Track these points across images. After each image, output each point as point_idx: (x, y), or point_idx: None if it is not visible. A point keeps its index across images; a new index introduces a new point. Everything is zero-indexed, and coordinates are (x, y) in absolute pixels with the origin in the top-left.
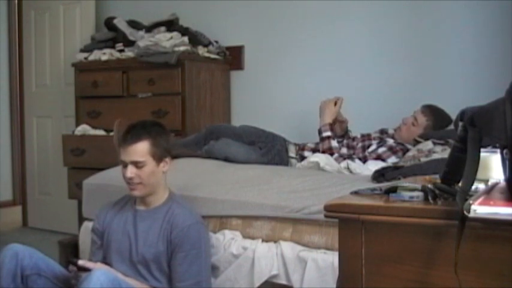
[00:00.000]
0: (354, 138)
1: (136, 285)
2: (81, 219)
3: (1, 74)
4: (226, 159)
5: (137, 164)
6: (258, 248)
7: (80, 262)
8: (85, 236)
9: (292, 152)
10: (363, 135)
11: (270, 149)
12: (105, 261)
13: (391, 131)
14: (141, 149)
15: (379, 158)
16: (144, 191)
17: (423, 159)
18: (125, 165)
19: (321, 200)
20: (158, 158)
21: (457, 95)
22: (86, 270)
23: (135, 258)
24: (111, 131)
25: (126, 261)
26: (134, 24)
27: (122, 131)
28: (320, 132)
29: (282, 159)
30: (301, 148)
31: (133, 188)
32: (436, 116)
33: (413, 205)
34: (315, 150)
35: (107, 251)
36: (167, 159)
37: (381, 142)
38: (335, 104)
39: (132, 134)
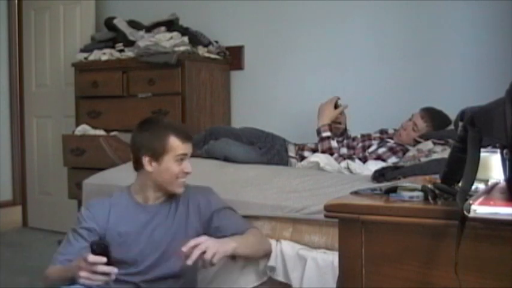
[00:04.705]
0: (354, 139)
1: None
2: None
3: (1, 74)
4: (226, 159)
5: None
6: None
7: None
8: None
9: (292, 152)
10: (363, 136)
11: (269, 149)
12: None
13: (391, 131)
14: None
15: (379, 158)
16: None
17: (423, 159)
18: (181, 159)
19: (321, 200)
20: None
21: (457, 95)
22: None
23: (171, 251)
24: (111, 131)
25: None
26: (134, 24)
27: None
28: (319, 132)
29: (281, 159)
30: (301, 148)
31: (183, 183)
32: (435, 120)
33: (413, 205)
34: (315, 151)
35: (124, 255)
36: None
37: (382, 143)
38: (335, 106)
39: (185, 128)
